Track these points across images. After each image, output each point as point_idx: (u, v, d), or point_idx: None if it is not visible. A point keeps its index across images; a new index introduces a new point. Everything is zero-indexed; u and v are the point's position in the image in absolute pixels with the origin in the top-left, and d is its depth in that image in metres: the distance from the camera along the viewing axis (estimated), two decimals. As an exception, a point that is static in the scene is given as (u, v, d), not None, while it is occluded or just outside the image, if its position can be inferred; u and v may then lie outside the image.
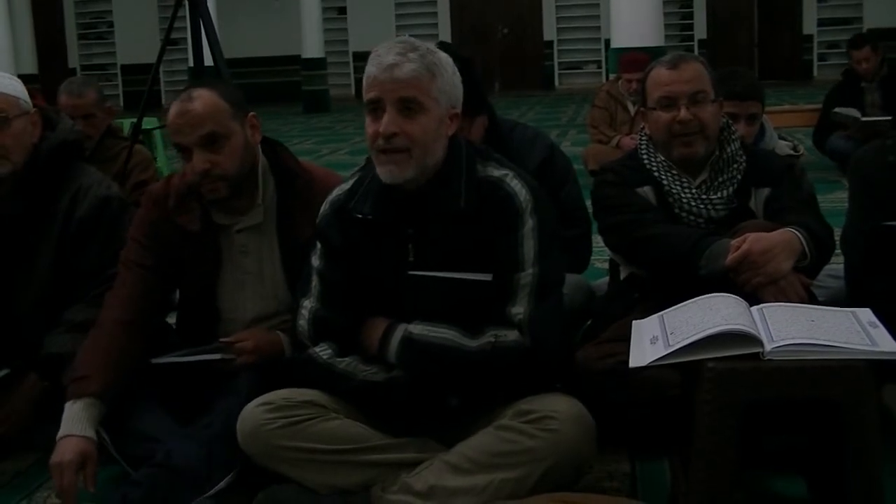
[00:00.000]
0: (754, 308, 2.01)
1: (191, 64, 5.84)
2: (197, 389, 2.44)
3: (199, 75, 4.63)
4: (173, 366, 2.45)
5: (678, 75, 2.58)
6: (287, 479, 2.20)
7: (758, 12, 19.73)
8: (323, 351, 2.23)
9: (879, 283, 2.52)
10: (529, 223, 2.15)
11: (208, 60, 4.55)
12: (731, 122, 2.70)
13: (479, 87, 2.83)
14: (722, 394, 1.85)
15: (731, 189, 2.58)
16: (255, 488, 2.23)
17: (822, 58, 19.26)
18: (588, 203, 2.94)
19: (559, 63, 20.28)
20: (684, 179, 2.60)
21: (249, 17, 19.56)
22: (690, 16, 19.49)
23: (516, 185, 2.17)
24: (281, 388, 2.24)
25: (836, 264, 2.78)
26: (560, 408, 2.09)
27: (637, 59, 7.07)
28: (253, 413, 2.19)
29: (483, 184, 2.18)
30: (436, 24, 19.93)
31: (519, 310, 2.12)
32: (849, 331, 1.89)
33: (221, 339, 2.47)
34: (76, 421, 2.29)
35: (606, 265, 3.07)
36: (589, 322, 2.87)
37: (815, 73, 19.10)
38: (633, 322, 2.16)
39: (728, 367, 1.85)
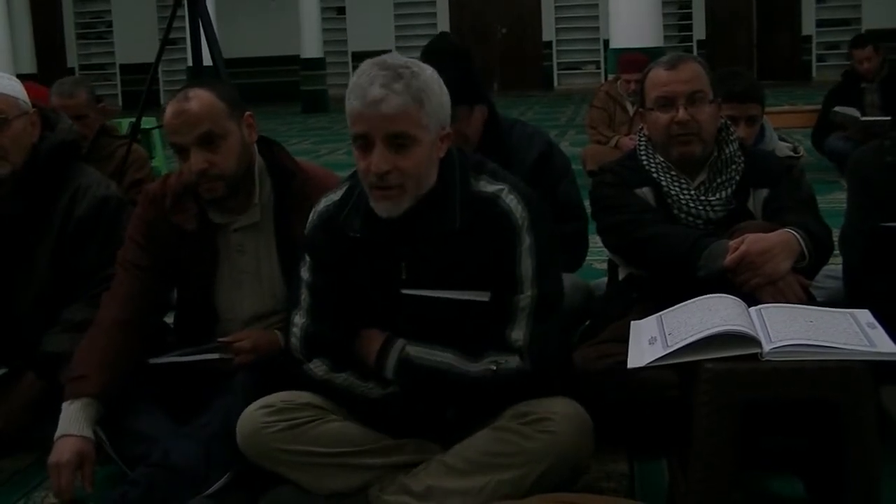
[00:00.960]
0: (752, 309, 2.01)
1: (189, 64, 5.84)
2: (194, 389, 2.44)
3: (197, 75, 4.64)
4: (171, 365, 2.45)
5: (676, 76, 2.58)
6: (285, 480, 2.20)
7: (757, 13, 19.74)
8: (318, 367, 2.21)
9: (878, 284, 2.52)
10: (527, 241, 2.09)
11: (207, 60, 4.55)
12: (729, 122, 2.70)
13: (477, 76, 2.85)
14: (720, 394, 1.85)
15: (729, 190, 2.58)
16: (252, 487, 2.23)
17: (820, 58, 19.28)
18: (585, 200, 2.94)
19: (558, 63, 20.29)
20: (683, 180, 2.60)
21: (248, 16, 19.56)
22: (689, 16, 19.50)
23: (512, 200, 2.10)
24: (278, 387, 2.24)
25: (835, 265, 2.78)
26: (557, 409, 2.09)
27: (636, 60, 7.08)
28: (252, 416, 2.18)
29: (478, 201, 2.11)
30: (435, 24, 19.92)
31: (518, 335, 2.09)
32: (847, 332, 1.89)
33: (219, 339, 2.47)
34: (74, 421, 2.29)
35: (605, 266, 3.07)
36: (587, 322, 2.87)
37: (814, 73, 19.11)
38: (632, 323, 2.16)
39: (726, 368, 1.85)
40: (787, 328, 1.90)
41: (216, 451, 2.25)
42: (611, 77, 8.37)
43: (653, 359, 1.92)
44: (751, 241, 2.31)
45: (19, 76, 3.08)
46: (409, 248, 2.11)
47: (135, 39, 19.61)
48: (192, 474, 2.21)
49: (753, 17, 19.81)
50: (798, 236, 2.33)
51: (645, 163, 2.65)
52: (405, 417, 2.17)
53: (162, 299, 2.61)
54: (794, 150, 3.70)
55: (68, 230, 2.73)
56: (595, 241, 2.94)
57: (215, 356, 2.44)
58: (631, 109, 7.21)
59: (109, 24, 21.12)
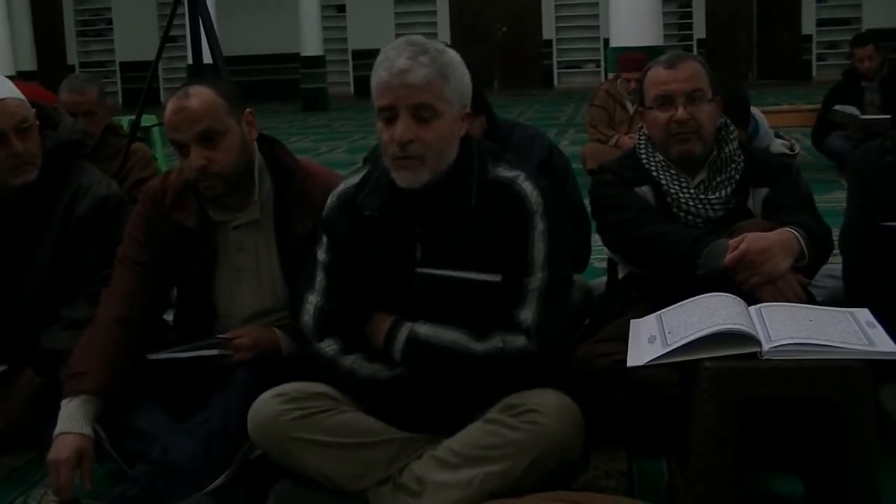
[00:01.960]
0: (752, 308, 2.02)
1: (190, 61, 5.84)
2: (194, 386, 2.44)
3: (197, 73, 4.63)
4: (170, 361, 2.45)
5: (675, 74, 2.58)
6: (283, 477, 2.20)
7: (757, 12, 19.73)
8: (329, 347, 2.23)
9: (878, 284, 2.52)
10: (540, 226, 2.14)
11: (207, 58, 4.54)
12: (729, 121, 2.70)
13: (477, 87, 2.83)
14: (719, 393, 1.85)
15: (729, 189, 2.58)
16: (252, 484, 2.23)
17: (820, 58, 19.26)
18: (585, 199, 2.93)
19: (558, 62, 20.27)
20: (682, 179, 2.60)
21: (248, 14, 19.55)
22: (689, 15, 19.48)
23: (528, 186, 2.16)
24: (277, 384, 2.24)
25: (835, 264, 2.78)
26: (545, 401, 2.09)
27: (636, 59, 7.07)
28: (268, 403, 2.19)
29: (494, 184, 2.16)
30: (435, 23, 19.93)
31: (527, 315, 2.11)
32: (846, 331, 1.89)
33: (219, 336, 2.47)
34: (73, 418, 2.29)
35: (605, 264, 3.07)
36: (587, 321, 2.87)
37: (814, 73, 19.10)
38: (631, 321, 2.16)
39: (725, 367, 1.85)
40: (786, 327, 1.90)
41: (215, 448, 2.25)
42: (611, 76, 8.36)
43: (652, 357, 1.92)
44: (750, 240, 2.31)
45: (19, 73, 3.09)
46: (424, 227, 2.16)
47: (135, 37, 19.60)
48: (192, 471, 2.21)
49: (753, 17, 19.79)
50: (798, 235, 2.34)
51: (644, 161, 2.66)
52: (412, 404, 2.18)
53: (161, 296, 2.61)
54: (791, 147, 3.70)
55: (69, 229, 2.73)
56: (595, 240, 2.95)
57: (214, 352, 2.44)
58: (631, 108, 7.21)
59: (109, 22, 21.10)
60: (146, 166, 4.17)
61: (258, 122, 2.51)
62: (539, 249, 2.13)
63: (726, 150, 2.62)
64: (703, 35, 19.43)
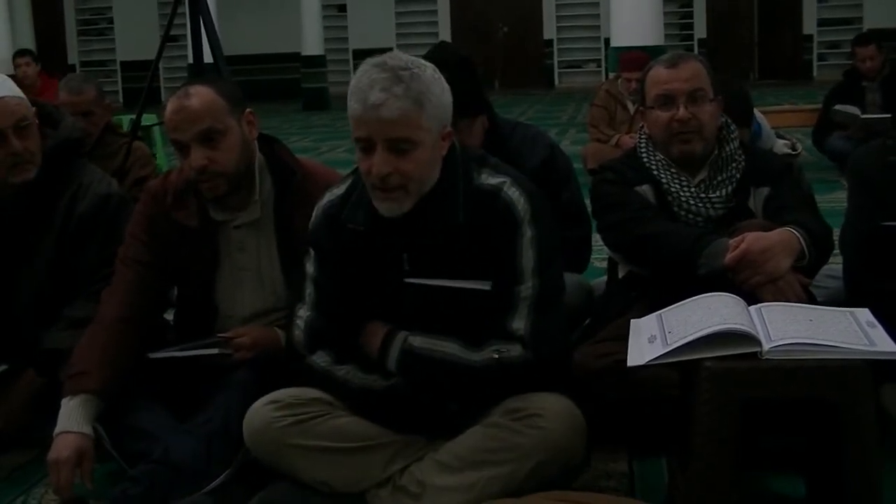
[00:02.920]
0: (752, 307, 2.01)
1: (190, 61, 5.83)
2: (194, 385, 2.44)
3: (198, 72, 4.63)
4: (171, 360, 2.45)
5: (677, 74, 2.58)
6: (283, 477, 2.20)
7: (758, 12, 19.72)
8: (321, 359, 2.21)
9: (878, 284, 2.52)
10: (529, 233, 2.10)
11: (208, 57, 4.55)
12: (730, 121, 2.69)
13: (479, 86, 2.83)
14: (719, 393, 1.85)
15: (729, 188, 2.58)
16: (252, 484, 2.23)
17: (821, 58, 19.26)
18: (586, 199, 2.93)
19: (559, 62, 20.27)
20: (683, 178, 2.60)
21: (249, 14, 19.55)
22: (690, 15, 19.48)
23: (514, 193, 2.11)
24: (278, 384, 2.24)
25: (835, 264, 2.78)
26: (547, 405, 2.09)
27: (637, 58, 7.07)
28: (261, 411, 2.18)
29: (480, 193, 2.12)
30: (436, 23, 19.93)
31: (520, 325, 2.09)
32: (847, 331, 1.89)
33: (219, 335, 2.47)
34: (73, 417, 2.29)
35: (605, 264, 3.07)
36: (587, 321, 2.87)
37: (815, 73, 19.09)
38: (632, 321, 2.16)
39: (726, 367, 1.85)
40: (786, 327, 1.90)
41: (216, 447, 2.25)
42: (612, 76, 8.37)
43: (652, 357, 1.92)
44: (751, 240, 2.31)
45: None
46: (411, 241, 2.12)
47: (136, 36, 19.59)
48: (193, 471, 2.22)
49: (755, 16, 19.79)
50: (798, 235, 2.33)
51: (645, 161, 2.65)
52: (408, 411, 2.17)
53: (162, 296, 2.61)
54: (793, 147, 3.69)
55: (69, 228, 2.73)
56: (595, 240, 2.95)
57: (214, 351, 2.44)
58: (632, 108, 7.21)
59: (110, 21, 21.10)
60: (145, 165, 4.18)
61: (259, 122, 2.51)
62: (528, 258, 2.10)
63: (727, 149, 2.62)
64: (703, 35, 19.42)
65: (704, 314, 1.96)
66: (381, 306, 2.18)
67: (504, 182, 2.13)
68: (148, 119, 5.73)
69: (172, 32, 4.64)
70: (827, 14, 19.16)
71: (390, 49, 2.15)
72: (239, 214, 2.50)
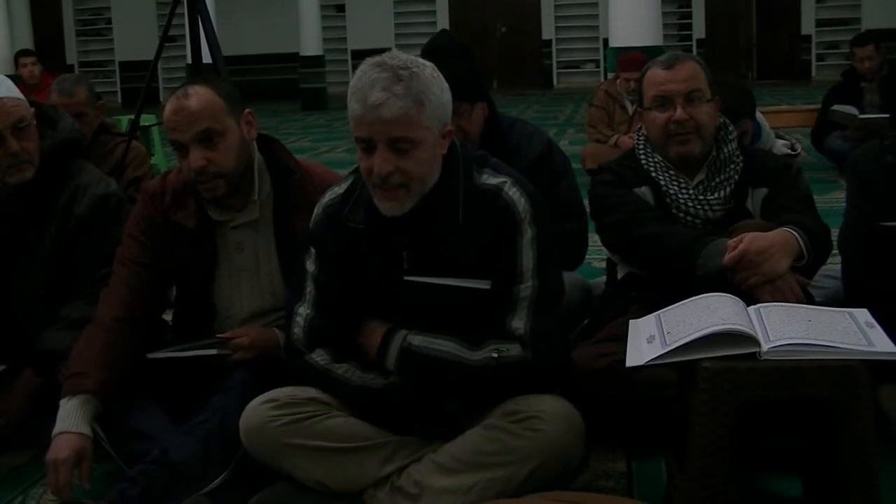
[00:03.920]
0: (751, 308, 2.01)
1: (189, 61, 5.84)
2: (192, 386, 2.44)
3: (197, 72, 4.63)
4: (169, 361, 2.44)
5: (674, 75, 2.58)
6: (281, 477, 2.20)
7: (756, 12, 19.73)
8: (320, 357, 2.21)
9: (877, 284, 2.52)
10: (528, 233, 2.11)
11: (206, 57, 4.54)
12: (728, 122, 2.69)
13: (478, 73, 2.86)
14: (718, 393, 1.85)
15: (728, 189, 2.58)
16: (250, 485, 2.23)
17: (820, 58, 19.27)
18: (585, 200, 2.94)
19: (557, 62, 20.28)
20: (681, 180, 2.60)
21: (248, 14, 19.55)
22: (689, 15, 19.49)
23: (515, 193, 2.12)
24: (276, 384, 2.24)
25: (834, 264, 2.78)
26: (546, 408, 2.09)
27: (635, 59, 7.08)
28: (257, 410, 2.18)
29: (481, 193, 2.12)
30: (434, 23, 19.91)
31: (519, 324, 2.10)
32: (846, 331, 1.89)
33: (218, 335, 2.47)
34: (71, 417, 2.29)
35: (604, 264, 3.07)
36: (585, 321, 2.87)
37: (814, 73, 19.11)
38: (630, 321, 2.16)
39: (724, 367, 1.85)
40: (785, 327, 1.90)
41: (214, 448, 2.25)
42: (610, 76, 8.37)
43: (651, 357, 1.92)
44: (749, 240, 2.31)
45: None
46: (411, 238, 2.13)
47: (134, 37, 19.60)
48: (191, 472, 2.21)
49: (753, 17, 19.80)
50: (797, 235, 2.33)
51: (643, 162, 2.65)
52: (406, 410, 2.17)
53: (161, 296, 2.61)
54: (792, 147, 3.71)
55: (68, 228, 2.73)
56: (594, 240, 2.95)
57: (213, 352, 2.44)
58: (630, 108, 7.22)
59: (109, 21, 21.10)
60: (140, 165, 4.17)
61: (257, 122, 2.51)
62: (528, 258, 2.11)
63: (725, 150, 2.61)
64: (702, 35, 19.44)
65: (703, 314, 1.96)
66: (381, 305, 2.19)
67: (505, 182, 2.14)
68: (147, 119, 5.74)
69: (171, 33, 4.64)
70: (825, 14, 19.17)
71: (389, 49, 2.14)
72: (237, 215, 2.50)
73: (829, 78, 12.18)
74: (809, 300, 2.33)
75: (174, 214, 2.49)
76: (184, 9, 4.47)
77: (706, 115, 2.57)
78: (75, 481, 2.24)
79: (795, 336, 1.86)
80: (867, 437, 1.84)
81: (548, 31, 20.20)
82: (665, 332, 1.98)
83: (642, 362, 1.94)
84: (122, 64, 20.78)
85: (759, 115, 3.80)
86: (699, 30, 19.52)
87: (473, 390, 2.13)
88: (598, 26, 19.02)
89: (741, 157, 2.62)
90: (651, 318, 2.10)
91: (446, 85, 2.09)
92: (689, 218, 2.57)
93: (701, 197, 2.57)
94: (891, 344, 1.85)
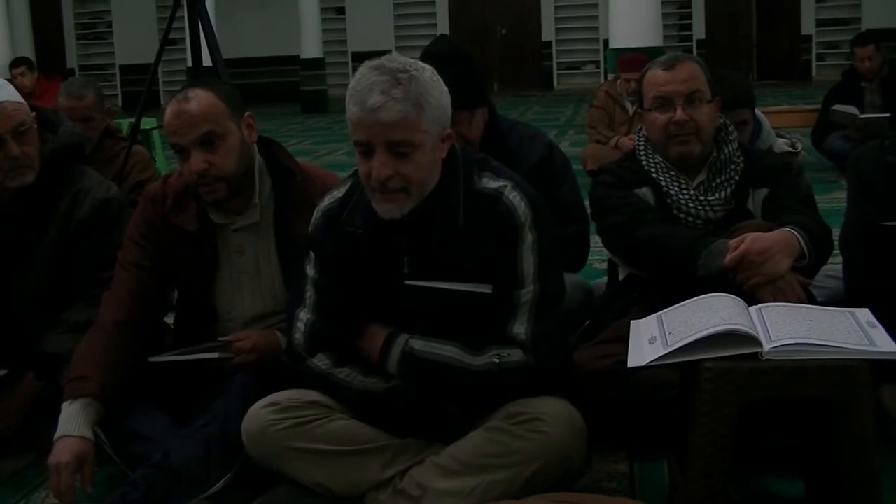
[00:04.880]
0: (752, 308, 2.01)
1: (189, 64, 5.84)
2: (194, 390, 2.44)
3: (197, 75, 4.62)
4: (171, 364, 2.45)
5: (674, 76, 2.58)
6: (283, 481, 2.20)
7: (756, 12, 19.73)
8: (321, 362, 2.21)
9: (878, 284, 2.52)
10: (529, 238, 2.10)
11: (207, 61, 4.54)
12: (728, 122, 2.69)
13: (479, 79, 2.85)
14: (720, 394, 1.85)
15: (728, 190, 2.58)
16: (251, 489, 2.23)
17: (820, 58, 19.27)
18: (586, 202, 2.94)
19: (558, 63, 20.28)
20: (682, 180, 2.60)
21: (248, 17, 19.56)
22: (689, 16, 19.49)
23: (515, 197, 2.11)
24: (278, 388, 2.24)
25: (835, 264, 2.78)
26: (549, 410, 2.09)
27: (635, 59, 7.07)
28: (259, 414, 2.18)
29: (481, 197, 2.11)
30: (434, 25, 19.93)
31: (520, 329, 2.09)
32: (847, 331, 1.89)
33: (219, 338, 2.47)
34: (73, 421, 2.29)
35: (605, 266, 3.07)
36: (587, 322, 2.87)
37: (814, 73, 19.10)
38: (632, 322, 2.16)
39: (726, 368, 1.85)
40: (787, 327, 1.90)
41: (216, 452, 2.25)
42: (610, 77, 8.36)
43: (653, 358, 1.92)
44: (751, 241, 2.31)
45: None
46: (410, 242, 2.12)
47: (134, 40, 19.60)
48: (193, 475, 2.21)
49: (753, 17, 19.80)
50: (798, 235, 2.33)
51: (644, 163, 2.65)
52: (407, 414, 2.17)
53: (162, 300, 2.61)
54: (793, 145, 3.71)
55: (69, 232, 2.73)
56: (595, 242, 2.95)
57: (214, 355, 2.44)
58: (631, 109, 7.21)
59: (109, 25, 21.11)
60: (144, 169, 4.17)
61: (258, 125, 2.51)
62: (529, 263, 2.10)
63: (726, 150, 2.61)
64: (702, 36, 19.44)
65: (705, 315, 1.96)
66: (382, 309, 2.18)
67: (505, 186, 2.13)
68: (147, 123, 5.74)
69: (171, 36, 4.63)
70: (825, 14, 19.17)
71: (389, 52, 2.14)
72: (238, 218, 2.50)
73: (830, 78, 12.17)
74: (811, 300, 2.33)
75: (175, 218, 2.49)
76: (184, 12, 4.47)
77: (706, 117, 2.57)
78: (77, 485, 2.24)
79: (797, 336, 1.86)
80: (868, 437, 1.84)
81: (548, 33, 20.21)
82: (666, 333, 1.98)
83: (644, 363, 1.94)
84: (122, 67, 20.78)
85: (759, 113, 3.80)
86: (699, 30, 19.52)
87: (475, 395, 2.13)
88: (598, 27, 19.03)
89: (742, 158, 2.62)
90: (652, 318, 2.10)
91: (445, 88, 2.08)
92: (689, 218, 2.57)
93: (702, 197, 2.57)
94: (892, 344, 1.85)
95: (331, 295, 2.22)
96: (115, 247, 2.60)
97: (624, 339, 2.10)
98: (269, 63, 19.68)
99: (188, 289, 2.58)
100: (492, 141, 2.85)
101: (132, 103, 15.26)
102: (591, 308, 2.92)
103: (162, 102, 13.42)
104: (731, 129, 2.67)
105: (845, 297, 2.64)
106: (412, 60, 2.07)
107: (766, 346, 1.85)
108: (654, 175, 2.62)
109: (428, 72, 2.05)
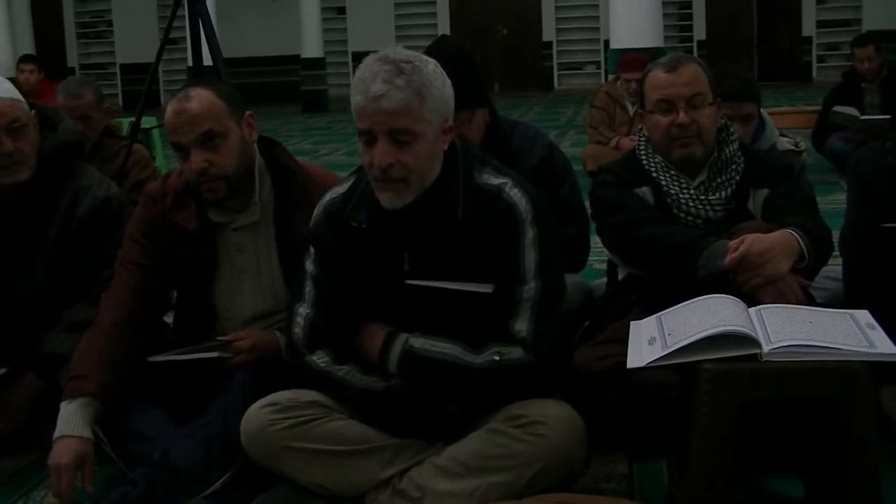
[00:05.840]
0: (752, 309, 2.01)
1: (190, 63, 5.83)
2: (193, 389, 2.44)
3: (198, 75, 4.62)
4: (170, 364, 2.45)
5: (676, 78, 2.58)
6: (282, 480, 2.20)
7: (757, 13, 19.73)
8: (320, 359, 2.21)
9: (878, 285, 2.52)
10: (530, 234, 2.11)
11: (207, 60, 4.53)
12: (729, 122, 2.69)
13: (479, 79, 2.85)
14: (719, 395, 1.85)
15: (729, 190, 2.58)
16: (251, 488, 2.23)
17: (821, 59, 19.26)
18: (586, 202, 2.94)
19: (558, 64, 20.28)
20: (682, 180, 2.60)
21: (249, 16, 19.56)
22: (690, 17, 19.48)
23: (516, 194, 2.12)
24: (277, 387, 2.24)
25: (835, 266, 2.78)
26: (550, 413, 2.09)
27: (636, 60, 7.07)
28: (258, 414, 2.18)
29: (481, 193, 2.13)
30: (435, 25, 19.92)
31: (522, 326, 2.10)
32: (847, 332, 1.89)
33: (219, 338, 2.47)
34: (72, 421, 2.29)
35: (605, 266, 3.07)
36: (587, 322, 2.87)
37: (815, 74, 19.10)
38: (631, 323, 2.16)
39: (725, 368, 1.85)
40: (786, 329, 1.90)
41: (216, 451, 2.25)
42: (611, 77, 8.36)
43: (652, 359, 1.92)
44: (751, 242, 2.31)
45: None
46: (412, 238, 2.13)
47: (135, 39, 19.59)
48: (192, 475, 2.22)
49: (754, 18, 19.79)
50: (798, 237, 2.33)
51: (644, 163, 2.65)
52: (407, 413, 2.17)
53: (162, 299, 2.61)
54: (796, 144, 3.70)
55: (69, 231, 2.73)
56: (595, 242, 2.95)
57: (214, 355, 2.44)
58: (631, 110, 7.21)
59: (110, 24, 21.11)
60: (144, 168, 4.17)
61: (258, 124, 2.51)
62: (530, 259, 2.11)
63: (727, 151, 2.61)
64: (703, 36, 19.43)
65: (704, 316, 1.96)
66: (382, 307, 2.19)
67: (505, 183, 2.14)
68: (147, 122, 5.74)
69: (172, 35, 4.62)
70: (826, 15, 19.17)
71: (390, 50, 2.15)
72: (238, 216, 2.50)
73: (830, 79, 12.19)
74: (810, 301, 2.33)
75: (175, 216, 2.49)
76: (184, 11, 4.47)
77: (708, 119, 2.57)
78: (77, 485, 2.24)
79: (796, 337, 1.86)
80: (868, 439, 1.84)
81: (548, 33, 20.20)
82: (666, 334, 1.98)
83: (643, 364, 1.94)
84: (122, 66, 20.77)
85: (763, 113, 3.79)
86: (700, 31, 19.52)
87: (475, 393, 2.13)
88: (598, 28, 19.01)
89: (743, 158, 2.62)
90: (652, 319, 2.10)
91: (448, 81, 2.10)
92: (689, 218, 2.57)
93: (702, 197, 2.57)
94: (892, 345, 1.85)
95: (330, 290, 2.22)
96: (115, 246, 2.60)
97: (624, 340, 2.10)
98: (269, 63, 19.68)
99: (188, 287, 2.58)
100: (493, 141, 2.85)
101: (133, 102, 15.25)
102: (590, 308, 2.92)
103: (162, 102, 13.45)
104: (732, 129, 2.67)
105: (845, 299, 2.65)
106: (416, 53, 2.10)
107: (766, 348, 1.85)
108: (655, 174, 2.62)
109: (431, 64, 2.08)
